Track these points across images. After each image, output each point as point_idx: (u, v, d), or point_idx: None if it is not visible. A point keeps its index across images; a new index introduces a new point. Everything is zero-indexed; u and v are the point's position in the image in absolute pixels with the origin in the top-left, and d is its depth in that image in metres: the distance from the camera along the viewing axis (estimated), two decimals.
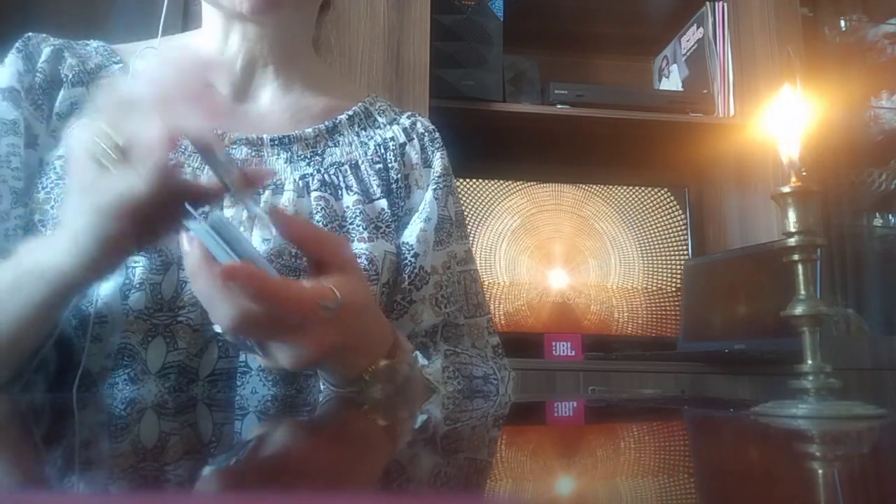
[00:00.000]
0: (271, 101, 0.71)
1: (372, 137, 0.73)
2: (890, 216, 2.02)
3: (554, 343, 1.70)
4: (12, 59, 0.64)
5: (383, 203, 0.69)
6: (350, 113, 0.74)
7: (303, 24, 0.73)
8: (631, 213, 1.88)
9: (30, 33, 0.67)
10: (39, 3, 1.46)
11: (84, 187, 0.45)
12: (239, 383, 0.59)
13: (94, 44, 0.70)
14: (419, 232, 0.68)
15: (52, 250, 0.48)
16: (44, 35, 0.67)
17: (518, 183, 1.87)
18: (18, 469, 0.24)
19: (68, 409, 0.47)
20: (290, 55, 0.71)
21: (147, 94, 0.44)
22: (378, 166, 0.71)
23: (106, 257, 0.47)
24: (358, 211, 0.66)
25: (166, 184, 0.44)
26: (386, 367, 0.53)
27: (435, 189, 0.72)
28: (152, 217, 0.45)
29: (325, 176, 0.68)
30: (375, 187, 0.69)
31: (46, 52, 0.66)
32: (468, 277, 0.73)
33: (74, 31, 0.71)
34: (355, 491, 0.21)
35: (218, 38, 0.69)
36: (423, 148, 0.74)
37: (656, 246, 1.87)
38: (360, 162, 0.70)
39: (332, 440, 0.34)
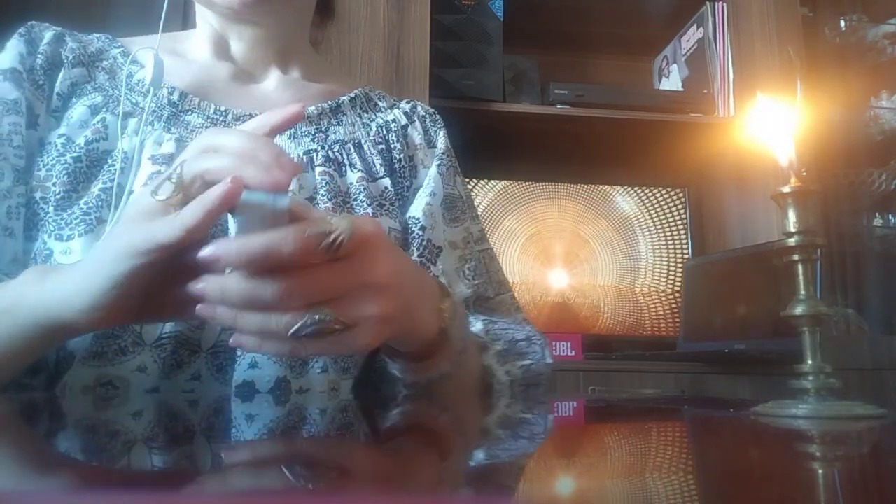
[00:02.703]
0: (273, 83, 0.72)
1: (374, 119, 0.74)
2: (890, 216, 2.02)
3: (554, 343, 1.69)
4: (14, 43, 0.65)
5: (386, 182, 0.70)
6: (352, 95, 0.75)
7: (298, 22, 0.74)
8: (631, 213, 1.88)
9: (32, 21, 0.68)
10: (39, 4, 1.46)
11: (122, 231, 0.43)
12: (239, 354, 0.58)
13: (95, 35, 0.71)
14: (425, 206, 0.70)
15: (56, 292, 0.45)
16: (46, 24, 0.68)
17: (518, 183, 1.87)
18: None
19: (51, 397, 0.47)
20: (287, 54, 0.73)
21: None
22: (380, 146, 0.72)
23: (107, 307, 0.44)
24: (362, 188, 0.67)
25: (197, 237, 0.41)
26: (452, 306, 0.52)
27: (439, 165, 0.73)
28: (168, 280, 0.44)
29: (329, 152, 0.69)
30: (378, 166, 0.70)
31: (48, 36, 0.67)
32: (487, 256, 0.75)
33: (74, 29, 0.71)
34: (343, 486, 0.21)
35: (215, 39, 0.70)
36: (425, 130, 0.76)
37: (656, 246, 1.87)
38: (362, 141, 0.72)
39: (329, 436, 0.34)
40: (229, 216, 0.44)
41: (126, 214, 0.45)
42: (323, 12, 0.82)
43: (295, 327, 0.40)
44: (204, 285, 0.41)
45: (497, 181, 1.86)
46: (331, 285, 0.41)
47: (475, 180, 1.84)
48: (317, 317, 0.40)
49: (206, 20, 0.71)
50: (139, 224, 0.43)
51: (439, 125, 0.77)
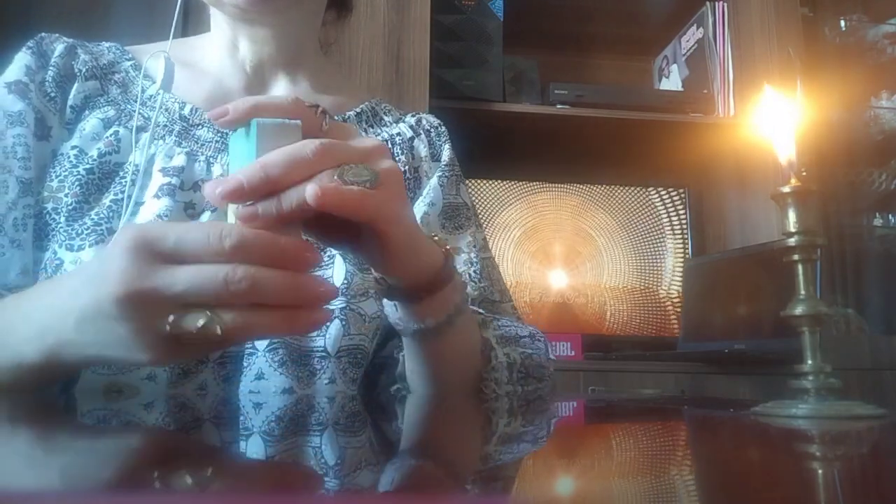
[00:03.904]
0: (282, 95, 0.72)
1: (379, 134, 0.75)
2: (890, 216, 2.02)
3: (554, 343, 1.70)
4: (22, 56, 0.66)
5: None
6: (358, 110, 0.76)
7: (307, 23, 0.74)
8: (631, 213, 1.88)
9: (43, 33, 0.68)
10: (42, 6, 1.46)
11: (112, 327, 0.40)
12: (245, 364, 0.59)
13: (106, 44, 0.71)
14: (423, 215, 0.70)
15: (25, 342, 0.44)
16: (56, 34, 0.69)
17: (518, 183, 1.87)
18: (11, 458, 0.24)
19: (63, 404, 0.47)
20: (297, 56, 0.73)
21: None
22: None
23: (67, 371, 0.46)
24: None
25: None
26: (448, 252, 0.53)
27: (440, 176, 0.73)
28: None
29: None
30: None
31: (60, 48, 0.67)
32: (489, 265, 0.75)
33: (76, 35, 0.72)
34: (344, 488, 0.21)
35: (227, 41, 0.71)
36: (430, 143, 0.76)
37: (656, 246, 1.87)
38: None
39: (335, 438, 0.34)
40: (230, 141, 0.46)
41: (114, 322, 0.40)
42: (339, 8, 0.81)
43: (338, 171, 0.42)
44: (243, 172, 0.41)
45: (497, 181, 1.86)
46: (350, 147, 0.44)
47: (475, 180, 1.84)
48: (355, 165, 0.43)
49: (217, 23, 0.71)
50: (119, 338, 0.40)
51: (444, 138, 0.77)
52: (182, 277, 0.39)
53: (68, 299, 0.42)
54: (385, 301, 0.55)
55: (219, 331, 0.39)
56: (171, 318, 0.39)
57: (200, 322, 0.39)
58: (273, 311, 0.40)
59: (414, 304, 0.52)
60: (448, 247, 0.54)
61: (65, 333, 0.42)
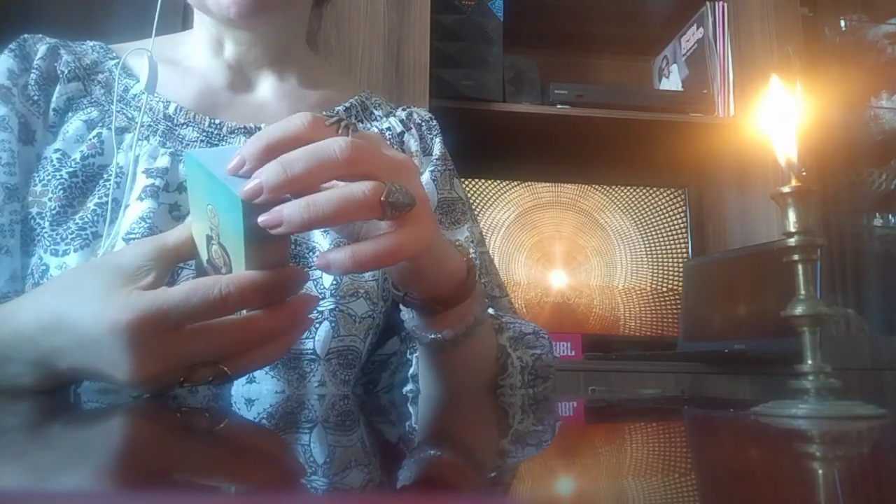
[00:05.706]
0: (269, 92, 0.72)
1: (368, 129, 0.73)
2: (890, 216, 2.02)
3: (554, 343, 1.69)
4: (4, 59, 0.65)
5: None
6: (347, 105, 0.74)
7: (294, 24, 0.73)
8: (631, 213, 1.88)
9: (25, 35, 0.67)
10: (38, 4, 1.46)
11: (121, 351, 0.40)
12: None
13: (90, 43, 0.70)
14: None
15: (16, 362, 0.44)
16: (39, 35, 0.68)
17: (518, 183, 1.87)
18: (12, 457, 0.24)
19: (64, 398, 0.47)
20: (283, 56, 0.72)
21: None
22: None
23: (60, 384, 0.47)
24: None
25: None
26: (472, 261, 0.51)
27: (433, 171, 0.73)
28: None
29: None
30: None
31: (42, 50, 0.66)
32: (487, 259, 0.74)
33: (72, 32, 0.71)
34: (337, 489, 0.21)
35: (211, 41, 0.70)
36: (421, 137, 0.75)
37: (656, 246, 1.87)
38: None
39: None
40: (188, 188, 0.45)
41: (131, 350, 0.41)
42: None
43: (385, 191, 0.40)
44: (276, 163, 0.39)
45: (497, 181, 1.86)
46: (380, 156, 0.42)
47: (475, 180, 1.84)
48: (399, 185, 0.40)
49: (202, 20, 0.70)
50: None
51: (436, 132, 0.76)
52: (194, 349, 0.41)
53: (59, 358, 0.43)
54: (402, 307, 0.53)
55: (228, 374, 0.42)
56: (182, 380, 0.42)
57: (210, 376, 0.42)
58: (267, 344, 0.43)
59: (432, 316, 0.50)
60: (470, 255, 0.52)
61: (60, 370, 0.44)
